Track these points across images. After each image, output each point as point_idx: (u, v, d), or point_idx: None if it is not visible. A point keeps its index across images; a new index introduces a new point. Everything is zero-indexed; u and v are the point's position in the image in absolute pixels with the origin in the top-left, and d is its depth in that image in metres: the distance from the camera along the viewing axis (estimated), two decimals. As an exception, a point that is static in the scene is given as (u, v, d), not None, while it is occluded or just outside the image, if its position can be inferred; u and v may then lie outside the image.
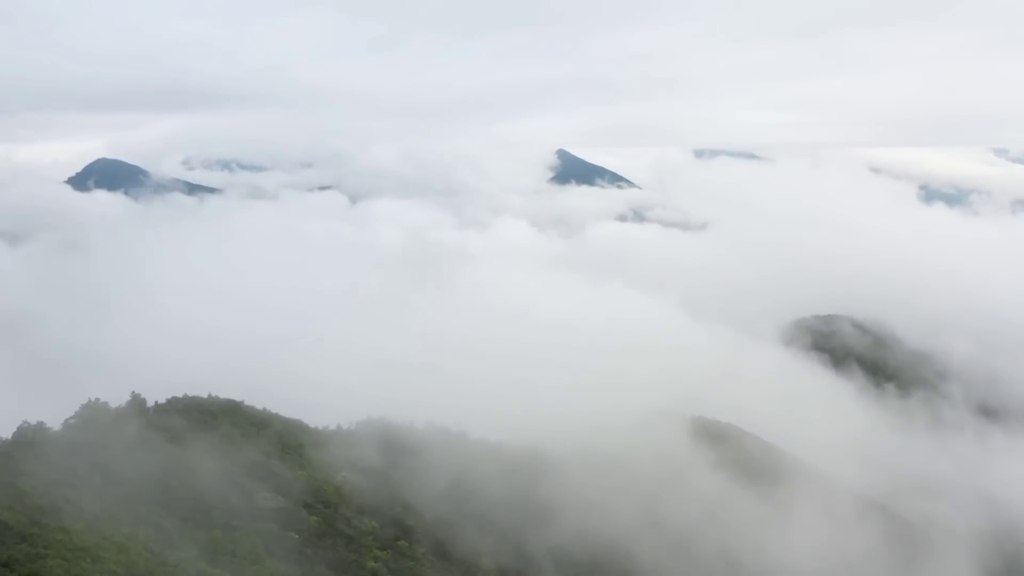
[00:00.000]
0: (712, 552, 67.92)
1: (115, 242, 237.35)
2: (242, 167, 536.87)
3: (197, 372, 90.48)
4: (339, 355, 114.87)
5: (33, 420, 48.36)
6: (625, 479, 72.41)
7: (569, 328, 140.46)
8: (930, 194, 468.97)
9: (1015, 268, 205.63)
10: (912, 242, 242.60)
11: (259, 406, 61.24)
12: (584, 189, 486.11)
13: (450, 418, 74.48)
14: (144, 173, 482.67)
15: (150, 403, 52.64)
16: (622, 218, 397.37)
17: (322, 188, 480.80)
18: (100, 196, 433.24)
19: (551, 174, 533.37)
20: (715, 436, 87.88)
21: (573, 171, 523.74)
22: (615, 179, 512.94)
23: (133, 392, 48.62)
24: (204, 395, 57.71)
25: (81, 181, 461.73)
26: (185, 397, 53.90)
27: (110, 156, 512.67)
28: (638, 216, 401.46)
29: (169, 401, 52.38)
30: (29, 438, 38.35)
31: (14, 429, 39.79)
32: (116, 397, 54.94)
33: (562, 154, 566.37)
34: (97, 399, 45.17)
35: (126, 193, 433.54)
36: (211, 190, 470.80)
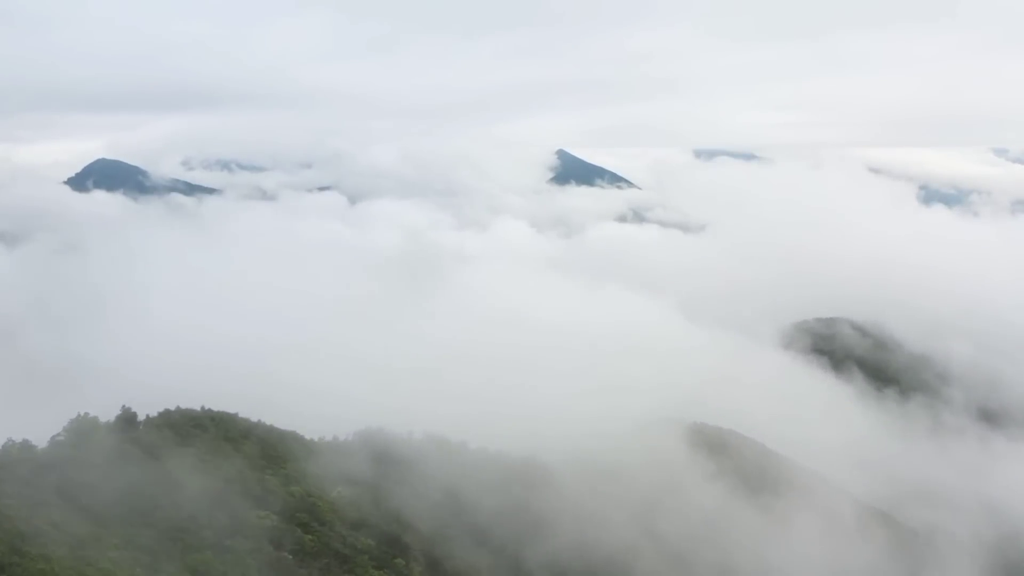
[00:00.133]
0: (712, 562, 67.23)
1: (113, 244, 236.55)
2: (241, 167, 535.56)
3: (192, 379, 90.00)
4: (336, 361, 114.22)
5: (26, 430, 47.93)
6: (623, 488, 71.72)
7: (567, 331, 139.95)
8: (930, 194, 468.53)
9: (1015, 270, 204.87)
10: (912, 244, 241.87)
11: (254, 416, 60.55)
12: (584, 189, 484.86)
13: (448, 426, 73.82)
14: (143, 173, 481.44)
15: (142, 415, 51.99)
16: (622, 218, 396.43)
17: (321, 188, 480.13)
18: (99, 196, 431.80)
19: (551, 174, 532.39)
20: (715, 443, 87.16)
21: (573, 171, 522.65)
22: (615, 179, 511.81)
23: (123, 406, 47.82)
24: (198, 406, 57.00)
25: (80, 181, 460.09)
26: (177, 410, 53.07)
27: (109, 156, 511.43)
28: (638, 217, 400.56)
29: (161, 415, 51.55)
30: (14, 457, 37.60)
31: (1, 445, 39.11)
32: (110, 405, 54.25)
33: (562, 154, 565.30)
34: (86, 414, 44.41)
35: (125, 193, 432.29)
36: (210, 190, 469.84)
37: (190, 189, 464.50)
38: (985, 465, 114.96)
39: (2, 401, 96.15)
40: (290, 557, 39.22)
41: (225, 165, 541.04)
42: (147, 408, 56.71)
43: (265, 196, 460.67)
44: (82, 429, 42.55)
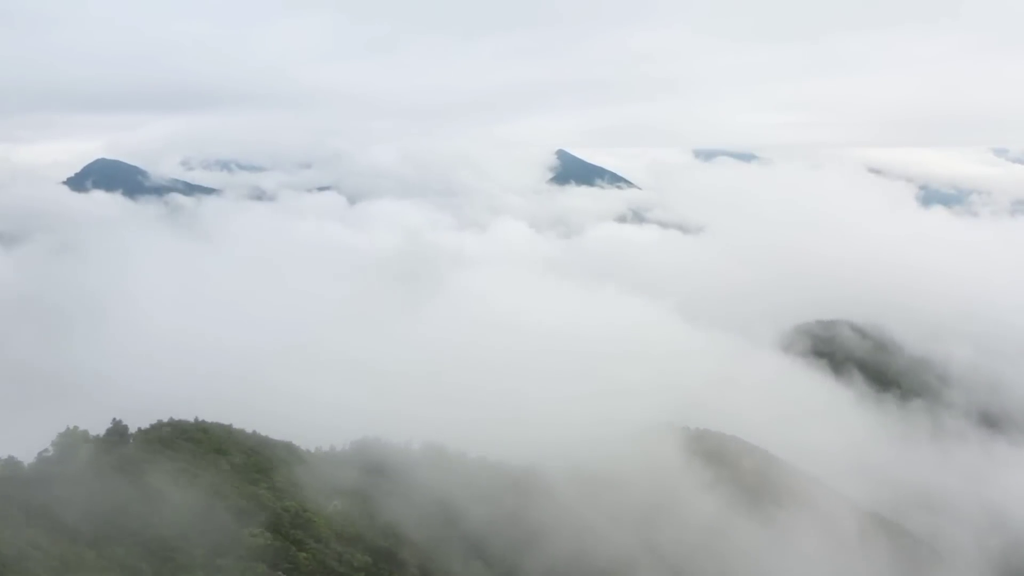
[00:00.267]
0: (711, 573, 66.60)
1: (110, 245, 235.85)
2: (241, 167, 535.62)
3: (188, 385, 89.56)
4: (332, 366, 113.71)
5: (18, 440, 47.16)
6: (621, 496, 71.09)
7: (565, 335, 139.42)
8: (930, 194, 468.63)
9: (1016, 271, 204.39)
10: (912, 245, 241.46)
11: (249, 424, 59.88)
12: (584, 189, 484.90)
13: (447, 433, 73.23)
14: (143, 173, 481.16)
15: (135, 424, 51.26)
16: (621, 219, 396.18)
17: (321, 188, 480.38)
18: (98, 196, 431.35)
19: (551, 174, 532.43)
20: (714, 449, 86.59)
21: (573, 171, 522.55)
22: (615, 179, 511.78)
23: (114, 419, 47.09)
24: (193, 414, 56.34)
25: (79, 182, 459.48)
26: (171, 421, 52.32)
27: (109, 156, 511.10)
28: (637, 217, 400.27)
29: (153, 427, 50.81)
30: (-1, 475, 36.90)
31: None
32: (103, 413, 53.51)
33: (562, 154, 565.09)
34: (75, 427, 43.67)
35: (124, 194, 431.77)
36: (209, 190, 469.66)
37: (189, 189, 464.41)
38: (986, 469, 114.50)
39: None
40: (284, 576, 38.49)
41: (224, 165, 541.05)
42: (140, 416, 56.00)
43: (264, 196, 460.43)
44: (70, 444, 41.80)
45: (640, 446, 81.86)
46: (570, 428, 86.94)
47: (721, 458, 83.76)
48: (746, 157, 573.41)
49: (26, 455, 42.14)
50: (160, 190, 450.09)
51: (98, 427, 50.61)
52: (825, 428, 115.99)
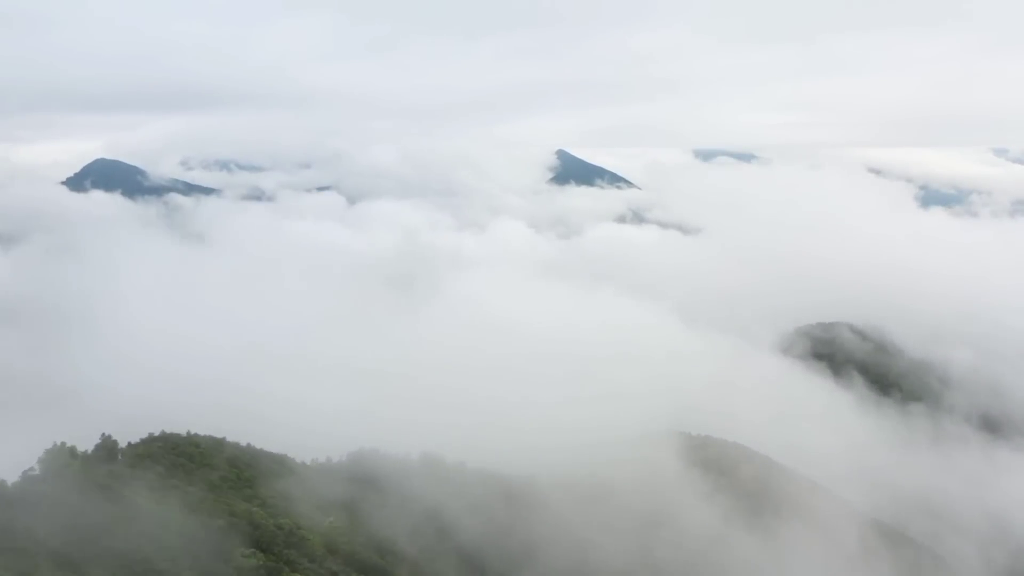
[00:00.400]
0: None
1: (109, 246, 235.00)
2: (240, 167, 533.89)
3: (183, 393, 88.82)
4: (329, 373, 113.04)
5: (8, 451, 46.52)
6: (618, 505, 70.37)
7: (562, 337, 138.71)
8: (930, 195, 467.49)
9: (1016, 272, 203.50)
10: (912, 246, 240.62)
11: (245, 435, 59.11)
12: (583, 189, 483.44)
13: (445, 440, 72.64)
14: (142, 173, 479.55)
15: (128, 433, 50.47)
16: (621, 219, 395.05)
17: (320, 189, 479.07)
18: (97, 197, 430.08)
19: (550, 174, 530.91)
20: (712, 455, 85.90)
21: (572, 171, 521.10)
22: (615, 179, 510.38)
23: (103, 434, 46.36)
24: (184, 427, 55.50)
25: (78, 182, 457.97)
26: (162, 436, 51.53)
27: (108, 156, 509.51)
28: (637, 217, 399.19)
29: (143, 441, 50.07)
30: (-16, 496, 36.14)
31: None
32: (94, 423, 52.77)
33: (561, 154, 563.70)
34: (62, 444, 42.87)
35: (123, 194, 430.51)
36: (209, 191, 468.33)
37: (188, 189, 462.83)
38: (988, 474, 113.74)
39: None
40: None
41: (224, 165, 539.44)
42: (133, 425, 55.08)
43: (264, 196, 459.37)
44: (57, 461, 41.04)
45: (638, 452, 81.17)
46: (567, 433, 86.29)
47: (721, 465, 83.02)
48: (746, 157, 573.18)
49: (23, 462, 41.42)
50: (159, 190, 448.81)
51: (91, 435, 49.67)
52: (825, 431, 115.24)
